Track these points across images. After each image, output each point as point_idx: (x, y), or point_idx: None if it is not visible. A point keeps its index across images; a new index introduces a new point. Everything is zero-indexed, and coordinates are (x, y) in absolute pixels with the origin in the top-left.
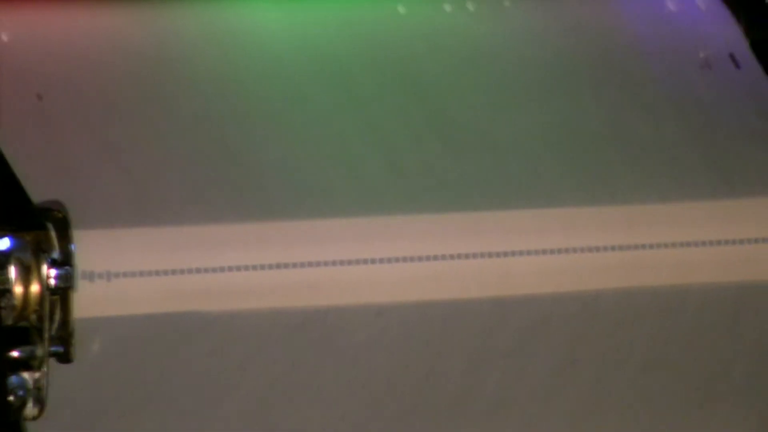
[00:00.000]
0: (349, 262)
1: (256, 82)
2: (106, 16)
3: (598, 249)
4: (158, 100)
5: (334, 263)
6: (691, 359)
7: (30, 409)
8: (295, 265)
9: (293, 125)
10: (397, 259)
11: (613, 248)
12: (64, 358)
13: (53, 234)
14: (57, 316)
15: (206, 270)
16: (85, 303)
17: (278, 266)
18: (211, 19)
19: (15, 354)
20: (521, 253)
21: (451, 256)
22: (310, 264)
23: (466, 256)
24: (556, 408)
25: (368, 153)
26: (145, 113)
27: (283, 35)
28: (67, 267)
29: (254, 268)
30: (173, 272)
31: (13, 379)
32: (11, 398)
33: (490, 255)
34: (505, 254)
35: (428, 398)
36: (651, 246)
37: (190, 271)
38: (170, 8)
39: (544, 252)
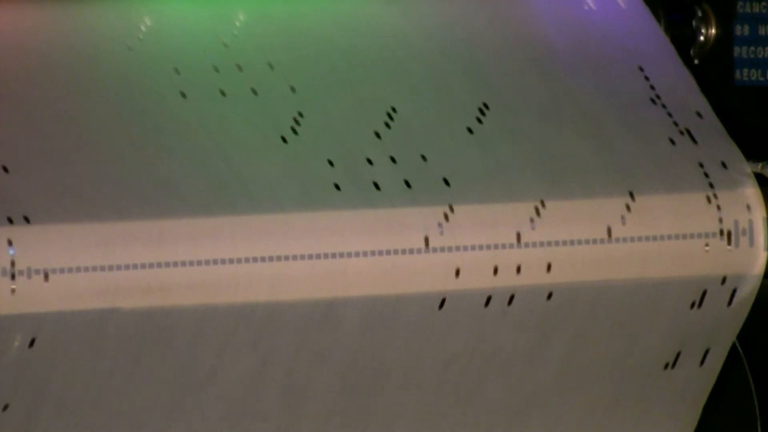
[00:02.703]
0: (270, 258)
1: (175, 75)
2: (17, 11)
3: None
4: (85, 97)
5: (257, 260)
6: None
7: None
8: (230, 261)
9: (217, 118)
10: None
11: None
12: None
13: None
14: None
15: (134, 266)
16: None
17: (210, 262)
18: (119, 15)
19: None
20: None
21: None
22: (243, 260)
23: (381, 253)
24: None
25: (294, 146)
26: (72, 107)
27: (192, 30)
28: None
29: (183, 264)
30: (102, 269)
31: None
32: None
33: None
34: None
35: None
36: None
37: (118, 267)
38: (81, 4)
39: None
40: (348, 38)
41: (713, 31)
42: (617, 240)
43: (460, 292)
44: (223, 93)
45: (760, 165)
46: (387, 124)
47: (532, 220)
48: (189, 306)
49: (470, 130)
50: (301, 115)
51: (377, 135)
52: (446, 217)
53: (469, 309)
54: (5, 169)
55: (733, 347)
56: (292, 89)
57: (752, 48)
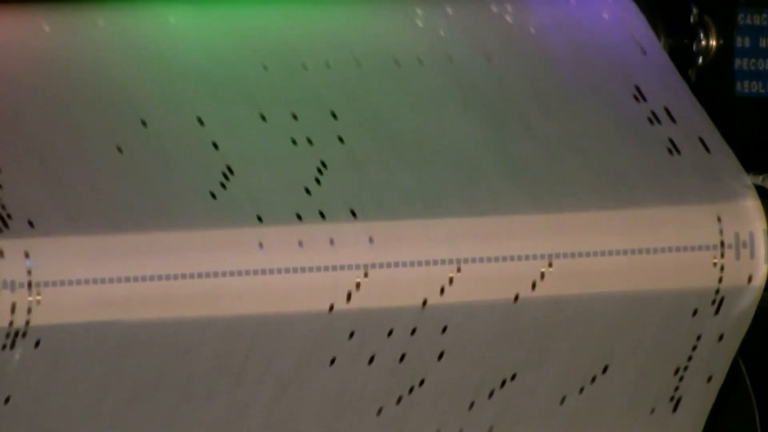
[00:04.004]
0: (278, 271)
1: (181, 85)
2: (24, 21)
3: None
4: (84, 108)
5: (259, 272)
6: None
7: None
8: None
9: (214, 131)
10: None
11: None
12: None
13: None
14: None
15: (129, 279)
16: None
17: (206, 275)
18: (126, 26)
19: None
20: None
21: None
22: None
23: (389, 265)
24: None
25: (294, 161)
26: (71, 120)
27: (196, 40)
28: None
29: (180, 277)
30: (98, 281)
31: None
32: None
33: (420, 263)
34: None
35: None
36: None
37: (114, 280)
38: (91, 13)
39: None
40: (425, 184)
41: (714, 42)
42: (619, 253)
43: None
44: (300, 244)
45: (760, 177)
46: (451, 280)
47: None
48: (189, 318)
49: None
50: (372, 265)
51: (441, 291)
52: None
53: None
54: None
55: (734, 359)
56: (371, 240)
57: (753, 60)
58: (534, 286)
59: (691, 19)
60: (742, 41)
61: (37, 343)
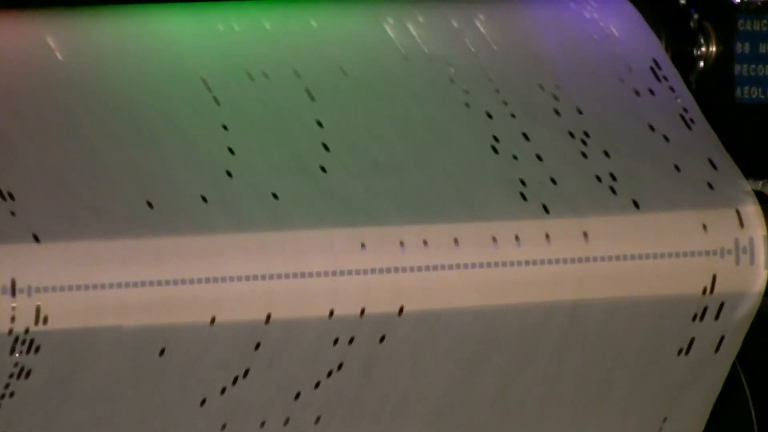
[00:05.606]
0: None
1: (169, 96)
2: (20, 27)
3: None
4: (76, 114)
5: (257, 278)
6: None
7: None
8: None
9: (204, 140)
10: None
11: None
12: None
13: None
14: None
15: (124, 285)
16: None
17: (211, 280)
18: (123, 32)
19: None
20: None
21: (370, 271)
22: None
23: (388, 270)
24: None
25: (284, 168)
26: (62, 126)
27: (196, 49)
28: None
29: (174, 282)
30: (91, 287)
31: None
32: None
33: (421, 269)
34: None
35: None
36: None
37: (107, 286)
38: (85, 21)
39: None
40: None
41: (714, 48)
42: (620, 258)
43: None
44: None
45: (760, 183)
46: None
47: None
48: (190, 324)
49: None
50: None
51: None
52: None
53: None
54: (11, 195)
55: (732, 366)
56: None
57: (753, 66)
58: None
59: (692, 25)
60: (742, 47)
61: (37, 349)
